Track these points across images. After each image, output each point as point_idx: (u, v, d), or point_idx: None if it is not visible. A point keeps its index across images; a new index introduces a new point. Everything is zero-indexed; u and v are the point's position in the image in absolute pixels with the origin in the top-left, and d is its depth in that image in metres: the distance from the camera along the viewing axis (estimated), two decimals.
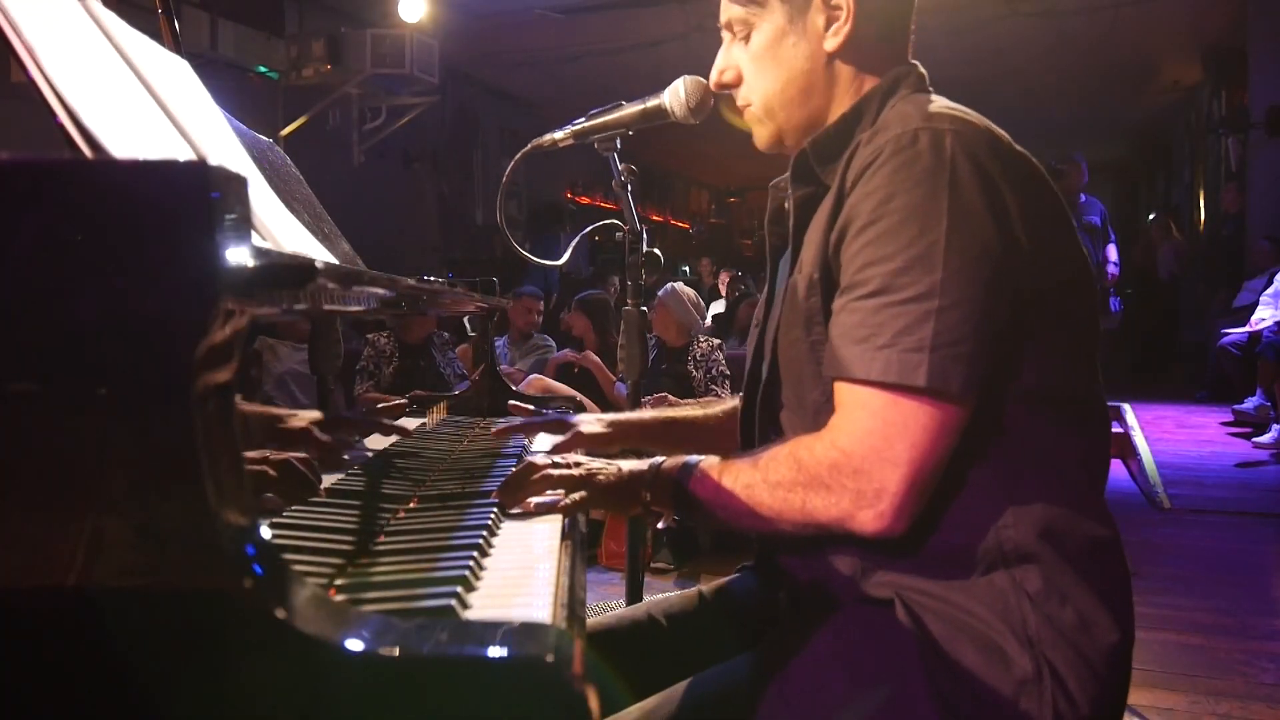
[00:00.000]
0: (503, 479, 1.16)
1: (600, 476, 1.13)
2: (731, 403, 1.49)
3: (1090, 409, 1.07)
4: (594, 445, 1.41)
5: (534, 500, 1.12)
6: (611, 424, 1.44)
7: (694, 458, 1.11)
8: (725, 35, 1.20)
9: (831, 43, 1.12)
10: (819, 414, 1.05)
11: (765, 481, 1.03)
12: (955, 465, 0.99)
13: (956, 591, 1.00)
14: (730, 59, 1.19)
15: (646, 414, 1.52)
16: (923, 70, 1.15)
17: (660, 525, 3.71)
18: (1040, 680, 0.96)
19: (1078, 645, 0.97)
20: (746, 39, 1.16)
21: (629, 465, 1.15)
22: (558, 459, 1.16)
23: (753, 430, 1.22)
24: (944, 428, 0.95)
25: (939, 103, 1.06)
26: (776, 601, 1.21)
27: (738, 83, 1.19)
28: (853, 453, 0.97)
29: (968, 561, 1.00)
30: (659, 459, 1.14)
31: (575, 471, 1.13)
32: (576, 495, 1.11)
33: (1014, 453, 1.01)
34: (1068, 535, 1.00)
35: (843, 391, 1.00)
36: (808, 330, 1.07)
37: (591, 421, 1.43)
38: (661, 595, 1.37)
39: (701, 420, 1.49)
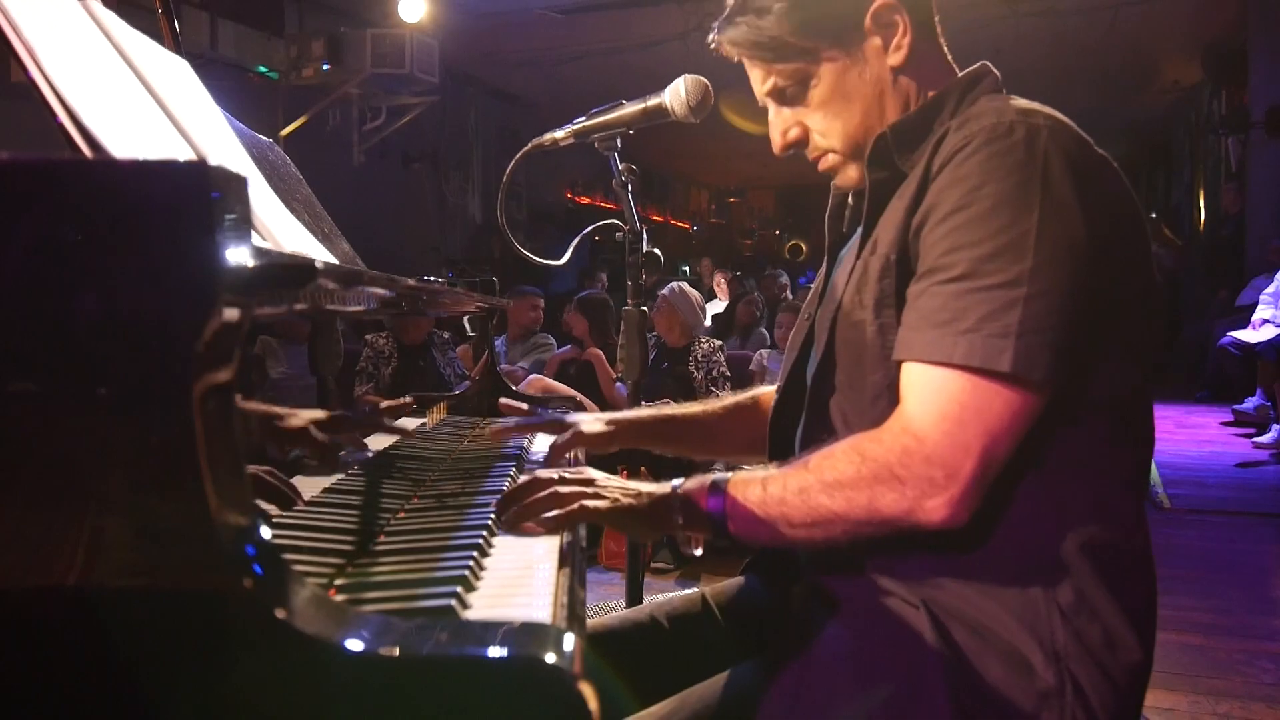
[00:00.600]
0: (502, 479, 1.14)
1: (622, 500, 1.05)
2: (732, 398, 1.47)
3: (1144, 425, 1.06)
4: (594, 445, 1.38)
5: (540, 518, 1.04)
6: (612, 422, 1.40)
7: (723, 475, 1.04)
8: (769, 103, 1.17)
9: (895, 57, 1.11)
10: (878, 398, 1.02)
11: (821, 482, 0.96)
12: (1010, 466, 0.96)
13: (988, 598, 0.98)
14: (787, 119, 1.17)
15: (645, 412, 1.49)
16: (998, 73, 1.14)
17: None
18: (1062, 694, 0.95)
19: (1102, 662, 0.97)
20: (801, 95, 1.14)
21: (648, 487, 1.06)
22: (565, 474, 1.08)
23: (792, 423, 1.18)
24: (1020, 416, 0.93)
25: (1024, 101, 1.05)
26: (780, 604, 1.20)
27: (805, 138, 1.17)
28: (926, 438, 0.93)
29: (1004, 566, 0.98)
30: (677, 480, 1.06)
31: (587, 490, 1.05)
32: (596, 505, 1.04)
33: (1070, 460, 1.00)
34: (1106, 548, 0.99)
35: (915, 376, 0.96)
36: (876, 312, 1.04)
37: (591, 421, 1.39)
38: (663, 596, 1.37)
39: (702, 416, 1.46)
